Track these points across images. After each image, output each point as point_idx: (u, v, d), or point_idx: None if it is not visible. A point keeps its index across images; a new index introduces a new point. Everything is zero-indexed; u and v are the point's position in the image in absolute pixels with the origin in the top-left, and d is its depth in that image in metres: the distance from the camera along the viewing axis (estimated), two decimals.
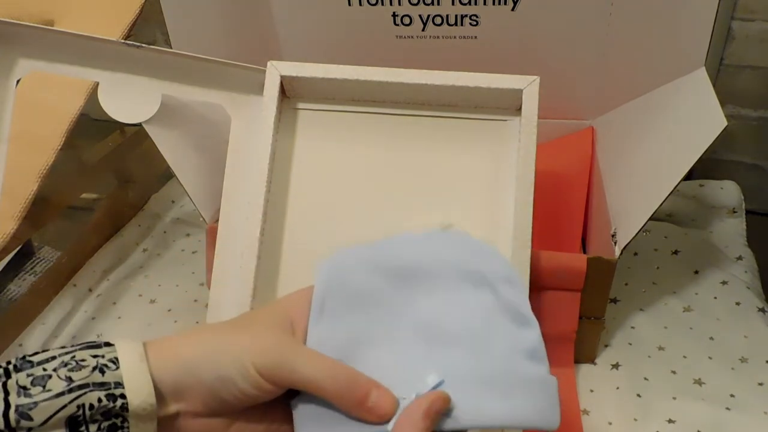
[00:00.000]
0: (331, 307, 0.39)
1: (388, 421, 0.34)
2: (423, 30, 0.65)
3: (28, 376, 0.30)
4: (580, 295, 0.54)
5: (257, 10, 0.68)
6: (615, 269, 0.54)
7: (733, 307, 0.65)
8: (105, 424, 0.30)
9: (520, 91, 0.48)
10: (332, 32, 0.68)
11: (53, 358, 0.31)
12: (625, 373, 0.59)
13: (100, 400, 0.30)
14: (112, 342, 0.33)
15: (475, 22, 0.64)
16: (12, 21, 0.53)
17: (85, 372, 0.30)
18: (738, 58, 0.82)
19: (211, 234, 0.59)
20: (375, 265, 0.40)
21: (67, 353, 0.31)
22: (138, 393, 0.31)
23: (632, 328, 0.63)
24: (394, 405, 0.34)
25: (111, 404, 0.30)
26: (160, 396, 0.32)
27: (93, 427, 0.30)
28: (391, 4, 0.64)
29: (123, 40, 0.53)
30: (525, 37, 0.64)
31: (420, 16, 0.64)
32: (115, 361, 0.31)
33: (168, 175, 0.92)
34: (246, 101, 0.54)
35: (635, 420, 0.54)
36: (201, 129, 0.62)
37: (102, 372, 0.31)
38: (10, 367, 0.31)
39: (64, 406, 0.29)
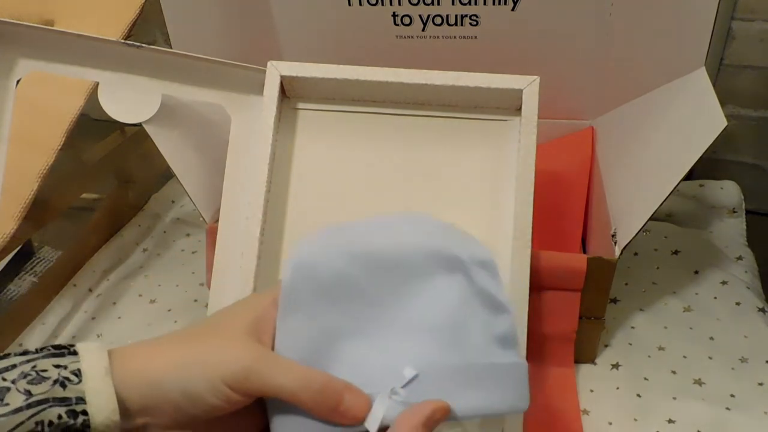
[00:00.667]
0: (301, 300, 0.37)
1: (362, 422, 0.33)
2: (423, 30, 0.65)
3: None
4: (580, 295, 0.54)
5: (257, 10, 0.68)
6: (615, 269, 0.54)
7: (733, 307, 0.65)
8: None
9: (520, 91, 0.48)
10: (332, 32, 0.68)
11: (13, 366, 0.29)
12: (625, 373, 0.59)
13: (60, 417, 0.28)
14: (77, 349, 0.31)
15: (475, 22, 0.64)
16: (12, 21, 0.53)
17: (45, 385, 0.28)
18: (738, 58, 0.82)
19: (211, 234, 0.59)
20: (346, 254, 0.39)
21: (28, 361, 0.29)
22: (101, 410, 0.29)
23: (632, 328, 0.63)
24: (367, 406, 0.33)
25: (72, 421, 0.28)
26: (124, 411, 0.30)
27: None
28: (391, 4, 0.64)
29: (123, 40, 0.53)
30: (525, 37, 0.64)
31: (420, 16, 0.64)
32: (77, 373, 0.29)
33: (168, 175, 0.92)
34: (246, 101, 0.54)
35: (635, 420, 0.54)
36: (201, 129, 0.62)
37: (63, 386, 0.29)
38: None
39: (22, 423, 0.28)
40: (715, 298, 0.66)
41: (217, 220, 0.60)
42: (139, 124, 0.56)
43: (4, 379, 0.28)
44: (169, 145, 0.58)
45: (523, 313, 0.45)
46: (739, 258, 0.71)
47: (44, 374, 0.29)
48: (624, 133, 0.65)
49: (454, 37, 0.65)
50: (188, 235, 0.82)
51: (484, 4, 0.63)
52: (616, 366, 0.59)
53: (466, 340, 0.37)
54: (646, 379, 0.58)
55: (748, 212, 0.78)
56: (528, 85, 0.48)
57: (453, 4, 0.63)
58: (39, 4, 0.75)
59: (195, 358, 0.32)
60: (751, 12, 0.79)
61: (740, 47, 0.81)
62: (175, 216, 0.85)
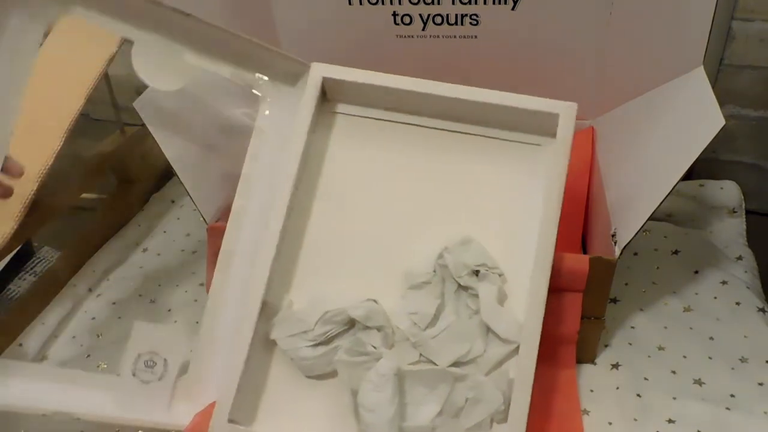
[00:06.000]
0: None
1: None
2: (423, 29, 0.65)
3: None
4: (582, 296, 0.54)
5: (257, 10, 0.68)
6: (615, 269, 0.54)
7: (733, 307, 0.65)
8: None
9: (556, 116, 0.49)
10: (332, 32, 0.68)
11: None
12: (625, 373, 0.58)
13: None
14: None
15: (475, 22, 0.64)
16: None
17: None
18: (738, 58, 0.82)
19: (212, 234, 0.59)
20: None
21: None
22: None
23: (632, 328, 0.63)
24: None
25: None
26: None
27: None
28: (391, 3, 0.64)
29: (170, 6, 0.51)
30: (525, 37, 0.64)
31: (420, 15, 0.64)
32: None
33: (168, 175, 0.92)
34: (280, 90, 0.53)
35: (635, 420, 0.54)
36: (210, 124, 0.62)
37: None
38: None
39: None
40: (715, 298, 0.66)
41: (218, 220, 0.60)
42: (140, 124, 0.56)
43: None
44: (171, 145, 0.58)
45: (536, 335, 0.45)
46: (739, 258, 0.71)
47: None
48: (623, 133, 0.65)
49: (455, 37, 0.65)
50: (188, 235, 0.82)
51: (485, 3, 0.63)
52: (616, 366, 0.59)
53: None
54: (646, 379, 0.58)
55: (748, 212, 0.78)
56: (565, 110, 0.49)
57: (453, 3, 0.63)
58: None
59: None
60: (751, 12, 0.79)
61: (740, 47, 0.81)
62: (175, 216, 0.85)
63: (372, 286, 0.50)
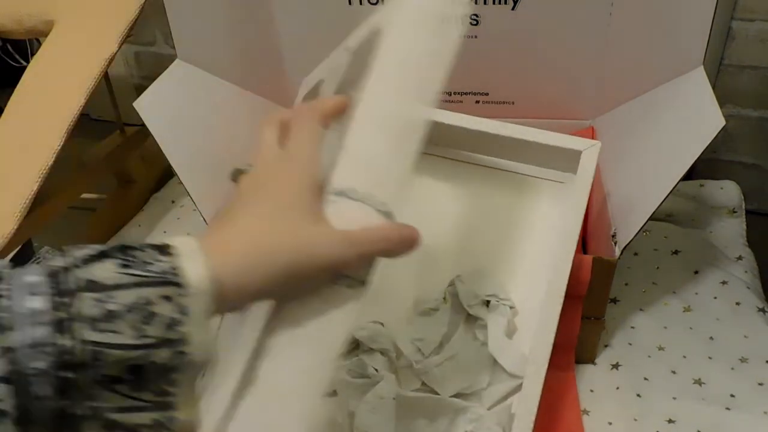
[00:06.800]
0: None
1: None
2: None
3: (98, 302, 0.26)
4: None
5: (258, 10, 0.68)
6: (615, 269, 0.54)
7: (733, 307, 0.65)
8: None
9: (579, 153, 0.49)
10: (332, 32, 0.68)
11: (119, 287, 0.27)
12: (625, 373, 0.58)
13: (164, 358, 0.28)
14: (181, 274, 0.29)
15: (475, 22, 0.64)
16: None
17: (157, 329, 0.27)
18: (738, 58, 0.82)
19: None
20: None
21: (135, 285, 0.27)
22: (201, 346, 0.28)
23: (632, 328, 0.63)
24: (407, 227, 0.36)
25: (175, 361, 0.28)
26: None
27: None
28: None
29: None
30: (525, 37, 0.64)
31: None
32: (186, 311, 0.28)
33: (168, 175, 0.92)
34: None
35: (635, 420, 0.54)
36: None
37: (171, 328, 0.27)
38: (71, 277, 0.27)
39: (131, 358, 0.27)
40: (715, 298, 0.66)
41: None
42: (140, 124, 0.56)
43: (113, 299, 0.27)
44: (171, 145, 0.58)
45: (541, 373, 0.45)
46: (739, 258, 0.71)
47: (154, 310, 0.27)
48: (624, 133, 0.65)
49: None
50: (188, 235, 0.82)
51: (485, 3, 0.63)
52: (616, 366, 0.59)
53: None
54: (646, 379, 0.58)
55: (748, 212, 0.78)
56: (588, 148, 0.49)
57: None
58: (39, 4, 0.75)
59: (297, 250, 0.32)
60: (751, 12, 0.79)
61: (740, 47, 0.81)
62: (175, 216, 0.85)
63: (380, 308, 0.50)
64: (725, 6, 0.78)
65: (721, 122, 0.50)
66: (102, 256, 0.28)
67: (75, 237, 0.79)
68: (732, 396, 0.56)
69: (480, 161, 0.53)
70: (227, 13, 0.68)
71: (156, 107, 0.61)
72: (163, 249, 0.29)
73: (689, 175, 0.77)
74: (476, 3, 0.63)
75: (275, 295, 0.34)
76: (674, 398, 0.56)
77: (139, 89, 0.63)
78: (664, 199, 0.51)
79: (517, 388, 0.46)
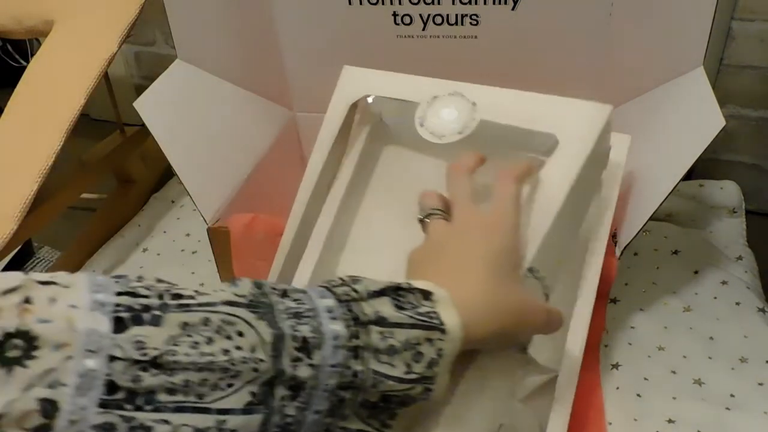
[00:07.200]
0: None
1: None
2: (423, 29, 0.65)
3: (383, 337, 0.30)
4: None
5: (258, 10, 0.68)
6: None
7: (733, 307, 0.65)
8: None
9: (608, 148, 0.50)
10: (332, 32, 0.68)
11: (399, 325, 0.30)
12: (625, 373, 0.58)
13: (417, 392, 0.31)
14: (441, 320, 0.32)
15: (475, 22, 0.64)
16: None
17: (422, 366, 0.30)
18: (738, 58, 0.82)
19: (214, 235, 0.59)
20: None
21: (406, 326, 0.30)
22: (442, 386, 0.32)
23: (632, 328, 0.63)
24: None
25: (422, 396, 0.31)
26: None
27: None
28: (391, 3, 0.64)
29: None
30: (525, 37, 0.64)
31: (420, 15, 0.64)
32: (442, 353, 0.31)
33: (168, 175, 0.92)
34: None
35: (635, 420, 0.54)
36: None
37: (431, 367, 0.31)
38: (364, 309, 0.30)
39: (396, 390, 0.30)
40: (715, 298, 0.66)
41: (217, 221, 0.60)
42: (140, 124, 0.56)
43: (392, 337, 0.30)
44: (171, 145, 0.58)
45: (576, 366, 0.47)
46: (739, 258, 0.71)
47: (420, 350, 0.31)
48: (624, 133, 0.65)
49: (455, 37, 0.65)
50: (188, 235, 0.82)
51: (485, 3, 0.63)
52: (616, 366, 0.59)
53: None
54: (646, 379, 0.58)
55: (748, 212, 0.78)
56: (618, 144, 0.50)
57: (453, 3, 0.63)
58: (39, 4, 0.75)
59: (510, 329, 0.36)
60: (751, 12, 0.79)
61: (740, 47, 0.81)
62: (175, 216, 0.85)
63: None
64: (725, 6, 0.78)
65: (722, 122, 0.50)
66: (381, 293, 0.31)
67: (75, 237, 0.79)
68: (732, 396, 0.56)
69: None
70: (227, 13, 0.68)
71: (156, 107, 0.61)
72: (427, 294, 0.33)
73: (689, 175, 0.77)
74: (476, 3, 0.63)
75: (489, 347, 0.37)
76: (674, 398, 0.56)
77: (139, 89, 0.63)
78: (665, 199, 0.51)
79: (552, 381, 0.47)
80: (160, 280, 0.28)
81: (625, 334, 0.63)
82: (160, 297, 0.27)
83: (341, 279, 0.32)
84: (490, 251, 0.36)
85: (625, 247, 0.52)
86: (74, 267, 0.76)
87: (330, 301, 0.30)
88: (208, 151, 0.64)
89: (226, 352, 0.26)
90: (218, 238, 0.59)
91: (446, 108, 0.49)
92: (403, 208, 0.50)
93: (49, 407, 0.23)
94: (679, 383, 0.57)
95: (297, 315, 0.28)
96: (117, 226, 0.83)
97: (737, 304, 0.65)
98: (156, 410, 0.25)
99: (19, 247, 0.76)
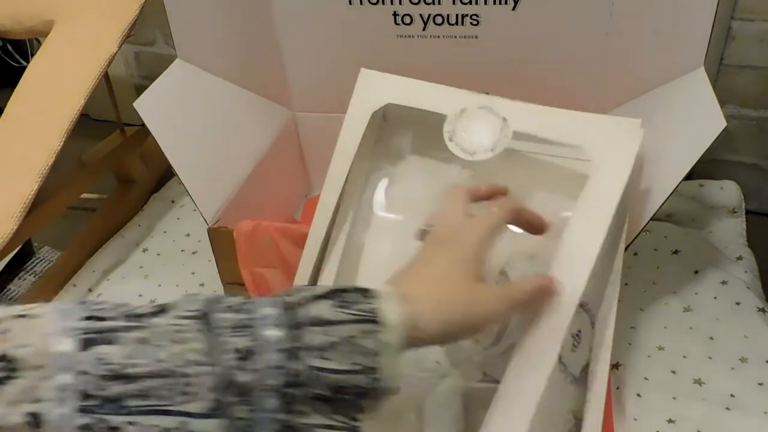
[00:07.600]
0: None
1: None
2: (424, 29, 0.65)
3: (322, 336, 0.32)
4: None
5: (258, 10, 0.68)
6: None
7: (733, 307, 0.65)
8: None
9: None
10: (332, 32, 0.68)
11: (335, 323, 0.33)
12: (625, 373, 0.59)
13: (363, 381, 0.33)
14: (380, 315, 0.34)
15: (475, 22, 0.64)
16: None
17: (364, 357, 0.33)
18: (738, 58, 0.82)
19: (214, 235, 0.59)
20: None
21: (346, 322, 0.33)
22: (390, 376, 0.34)
23: (632, 328, 0.63)
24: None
25: (370, 386, 0.33)
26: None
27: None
28: (392, 3, 0.64)
29: None
30: (525, 37, 0.64)
31: (421, 15, 0.64)
32: (382, 345, 0.33)
33: (168, 175, 0.92)
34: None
35: (635, 420, 0.54)
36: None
37: (372, 358, 0.33)
38: (303, 315, 0.33)
39: (339, 381, 0.32)
40: (715, 298, 0.66)
41: (218, 221, 0.60)
42: (140, 124, 0.56)
43: (330, 335, 0.33)
44: (171, 145, 0.58)
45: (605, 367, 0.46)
46: (739, 258, 0.71)
47: (360, 345, 0.33)
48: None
49: (455, 37, 0.65)
50: (188, 235, 0.82)
51: (485, 3, 0.63)
52: (616, 366, 0.59)
53: None
54: (646, 379, 0.58)
55: (748, 212, 0.78)
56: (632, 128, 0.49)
57: (454, 3, 0.63)
58: (39, 4, 0.75)
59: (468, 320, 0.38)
60: (751, 12, 0.79)
61: (740, 47, 0.81)
62: (175, 216, 0.85)
63: None
64: (725, 6, 0.78)
65: (722, 124, 0.50)
66: (324, 297, 0.34)
67: (75, 237, 0.79)
68: (732, 396, 0.56)
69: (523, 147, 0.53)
70: (227, 13, 0.68)
71: (156, 107, 0.61)
72: (365, 292, 0.35)
73: (689, 175, 0.77)
74: (476, 3, 0.63)
75: (449, 341, 0.41)
76: (674, 398, 0.56)
77: (139, 89, 0.63)
78: (665, 199, 0.51)
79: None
80: (119, 304, 0.32)
81: (625, 334, 0.63)
82: (120, 318, 0.31)
83: (296, 288, 0.35)
84: (452, 259, 0.40)
85: (626, 248, 0.52)
86: (74, 267, 0.76)
87: (272, 310, 0.32)
88: (208, 151, 0.64)
89: (179, 360, 0.30)
90: (218, 238, 0.59)
91: (476, 124, 0.48)
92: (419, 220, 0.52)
93: (34, 420, 0.28)
94: (679, 383, 0.57)
95: (240, 326, 0.31)
96: (117, 226, 0.83)
97: (737, 304, 0.65)
98: (127, 413, 0.29)
99: (19, 247, 0.75)
